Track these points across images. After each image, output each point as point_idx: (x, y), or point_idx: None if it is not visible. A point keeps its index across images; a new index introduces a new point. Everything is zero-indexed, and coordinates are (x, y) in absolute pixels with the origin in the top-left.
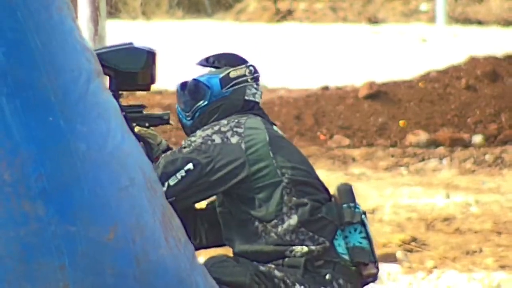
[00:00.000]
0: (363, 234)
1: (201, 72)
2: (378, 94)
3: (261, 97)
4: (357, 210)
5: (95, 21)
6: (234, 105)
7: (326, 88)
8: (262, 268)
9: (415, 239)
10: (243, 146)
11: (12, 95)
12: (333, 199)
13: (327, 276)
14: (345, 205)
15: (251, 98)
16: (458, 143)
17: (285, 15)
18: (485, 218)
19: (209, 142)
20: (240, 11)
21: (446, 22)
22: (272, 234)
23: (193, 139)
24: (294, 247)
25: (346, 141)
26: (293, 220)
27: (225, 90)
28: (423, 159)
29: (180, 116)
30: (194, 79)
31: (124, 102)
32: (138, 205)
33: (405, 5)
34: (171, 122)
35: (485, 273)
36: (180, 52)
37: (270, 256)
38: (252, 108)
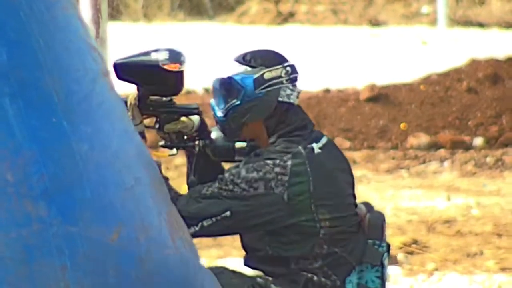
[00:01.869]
0: (378, 274)
1: (238, 69)
2: (379, 96)
3: (298, 97)
4: (380, 249)
5: (97, 23)
6: (267, 106)
7: (327, 91)
8: (259, 280)
9: (416, 242)
10: (285, 197)
11: (15, 96)
12: (361, 229)
13: None
14: (370, 241)
15: (285, 100)
16: (459, 146)
17: (287, 17)
18: (486, 221)
19: (252, 190)
20: (241, 13)
21: (447, 24)
22: (292, 264)
23: (236, 181)
24: (307, 274)
25: (347, 144)
26: (317, 263)
27: (258, 91)
28: (424, 162)
29: (214, 111)
30: (229, 77)
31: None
32: (143, 205)
33: (406, 8)
34: (201, 112)
35: (486, 275)
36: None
37: (283, 275)
38: (287, 110)
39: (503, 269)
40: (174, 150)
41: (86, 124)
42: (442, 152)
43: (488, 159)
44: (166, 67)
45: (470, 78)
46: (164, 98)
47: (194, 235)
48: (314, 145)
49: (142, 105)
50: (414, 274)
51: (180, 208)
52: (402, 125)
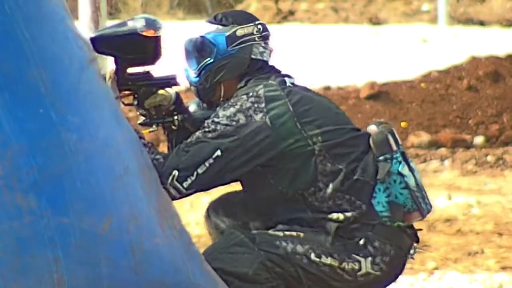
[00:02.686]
0: (403, 185)
1: (210, 29)
2: (380, 94)
3: (270, 56)
4: (392, 161)
5: (96, 21)
6: (240, 64)
7: (327, 89)
8: (277, 252)
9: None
10: (268, 122)
11: (0, 88)
12: (370, 150)
13: (361, 241)
14: (381, 158)
15: (258, 57)
16: (460, 144)
17: (287, 15)
18: (487, 219)
19: (234, 123)
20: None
21: (448, 22)
22: (311, 200)
23: (216, 120)
24: (331, 215)
25: None
26: (329, 188)
27: (231, 48)
28: (424, 160)
29: (187, 73)
30: (201, 36)
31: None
32: (132, 194)
33: (406, 6)
34: (179, 83)
35: (487, 274)
36: (182, 53)
37: (310, 223)
38: (261, 67)
39: (504, 268)
40: (154, 126)
41: (74, 114)
42: (442, 150)
43: (489, 158)
44: (144, 33)
45: (470, 76)
46: (141, 70)
47: (192, 187)
48: (285, 78)
49: (121, 80)
50: (415, 273)
51: (171, 163)
52: (403, 124)
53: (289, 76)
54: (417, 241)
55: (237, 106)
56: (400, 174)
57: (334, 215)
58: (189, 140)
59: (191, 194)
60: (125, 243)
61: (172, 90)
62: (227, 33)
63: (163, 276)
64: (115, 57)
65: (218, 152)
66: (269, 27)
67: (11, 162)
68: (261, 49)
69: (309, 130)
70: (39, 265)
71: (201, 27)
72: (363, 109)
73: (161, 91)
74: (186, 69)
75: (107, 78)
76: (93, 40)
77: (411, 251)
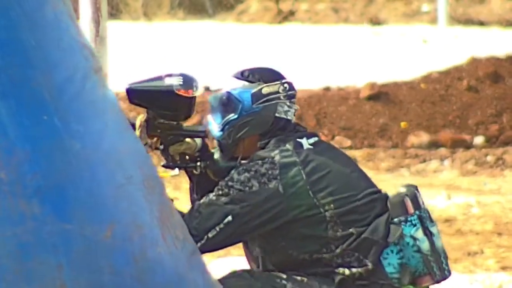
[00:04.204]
0: (415, 248)
1: (236, 85)
2: (380, 95)
3: (294, 115)
4: (407, 224)
5: (97, 22)
6: (264, 121)
7: (327, 89)
8: (274, 285)
9: None
10: (281, 189)
11: (6, 94)
12: (387, 212)
13: None
14: (396, 220)
15: (282, 116)
16: (460, 144)
17: (287, 16)
18: (487, 219)
19: (247, 189)
20: (241, 12)
21: (448, 23)
22: (321, 258)
23: (230, 183)
24: (338, 269)
25: (348, 142)
26: (339, 249)
27: (255, 106)
28: (424, 160)
29: (210, 126)
30: (227, 92)
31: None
32: (135, 203)
33: (406, 6)
34: (207, 136)
35: (487, 274)
36: (182, 53)
37: (317, 274)
38: (284, 126)
39: (503, 268)
40: (176, 170)
41: (78, 123)
42: (442, 150)
43: (488, 158)
44: (180, 93)
45: (470, 77)
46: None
47: (203, 250)
48: (304, 140)
49: (150, 127)
50: None
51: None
52: (403, 124)
53: (312, 135)
54: None
55: (252, 172)
56: (412, 237)
57: (341, 270)
58: (202, 201)
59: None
60: (128, 251)
61: (199, 142)
62: (253, 90)
63: (166, 285)
64: (147, 109)
65: (229, 218)
66: (269, 27)
67: (15, 168)
68: (286, 108)
69: (321, 198)
70: (42, 271)
71: (201, 28)
72: (363, 110)
73: (188, 140)
74: (210, 123)
75: (136, 126)
76: (128, 91)
77: None
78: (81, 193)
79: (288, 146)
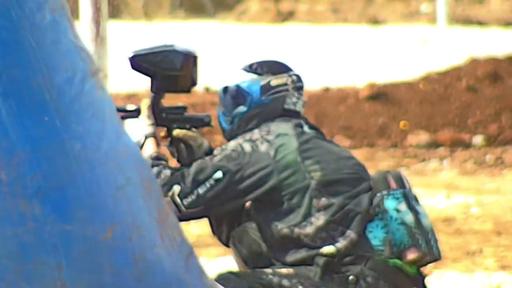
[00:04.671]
0: (399, 220)
1: (245, 77)
2: (379, 95)
3: (303, 106)
4: (390, 197)
5: (97, 22)
6: (272, 113)
7: (327, 89)
8: (260, 281)
9: None
10: (271, 153)
11: (7, 95)
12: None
13: (350, 277)
14: (378, 194)
15: (291, 107)
16: (459, 144)
17: (287, 16)
18: (486, 219)
19: (239, 150)
20: (242, 12)
21: (447, 23)
22: (302, 237)
23: (224, 147)
24: (322, 249)
25: (347, 142)
26: (320, 220)
27: (264, 98)
28: (423, 160)
29: (220, 119)
30: (236, 85)
31: (165, 103)
32: (134, 204)
33: (406, 6)
34: (212, 124)
35: (486, 273)
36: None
37: (304, 261)
38: (292, 117)
39: (503, 267)
40: None
41: (77, 124)
42: (441, 150)
43: (487, 158)
44: (182, 51)
45: (469, 77)
46: (177, 103)
47: (192, 206)
48: (304, 123)
49: (156, 111)
50: None
51: (174, 178)
52: (402, 124)
53: (314, 127)
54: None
55: (246, 137)
56: (396, 210)
57: (325, 249)
58: (195, 162)
59: (188, 217)
60: (128, 251)
61: (206, 141)
62: (262, 83)
63: (165, 285)
64: (152, 78)
65: (219, 174)
66: (269, 27)
67: (16, 169)
68: (294, 100)
69: (308, 165)
70: (42, 272)
71: (201, 28)
72: (363, 110)
73: (195, 130)
74: (219, 115)
75: (143, 107)
76: (130, 57)
77: None
78: (82, 194)
79: (288, 123)
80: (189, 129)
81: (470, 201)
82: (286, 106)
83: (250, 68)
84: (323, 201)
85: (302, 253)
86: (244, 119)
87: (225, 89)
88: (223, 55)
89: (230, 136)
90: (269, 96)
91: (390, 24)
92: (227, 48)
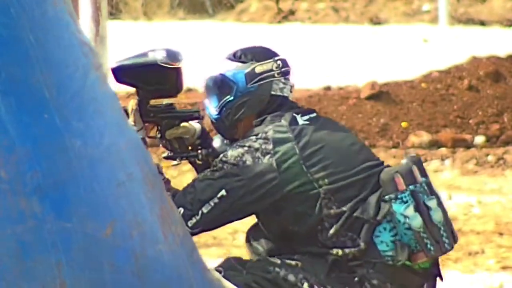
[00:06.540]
0: (406, 225)
1: (230, 66)
2: (380, 94)
3: (291, 91)
4: (398, 201)
5: (97, 21)
6: (260, 100)
7: (328, 89)
8: (265, 275)
9: None
10: (274, 164)
11: (6, 92)
12: (380, 189)
13: (356, 279)
14: (386, 197)
15: (278, 93)
16: (460, 144)
17: (287, 15)
18: (487, 219)
19: (241, 163)
20: (241, 11)
21: (449, 22)
22: (318, 236)
23: (224, 159)
24: (332, 250)
25: None
26: (333, 230)
27: (250, 86)
28: (425, 160)
29: (208, 110)
30: (221, 74)
31: (153, 101)
32: (136, 200)
33: (407, 6)
34: (201, 117)
35: (487, 274)
36: (182, 52)
37: (314, 255)
38: (280, 103)
39: (504, 268)
40: (177, 161)
41: (78, 120)
42: (443, 150)
43: (489, 158)
44: (164, 65)
45: (471, 76)
46: (164, 101)
47: (197, 226)
48: (298, 116)
49: (143, 111)
50: None
51: (177, 201)
52: (403, 124)
53: (310, 111)
54: (436, 278)
55: (246, 147)
56: (403, 215)
57: (335, 250)
58: (197, 176)
59: (196, 233)
60: (128, 248)
61: (197, 124)
62: (246, 70)
63: (167, 282)
64: (137, 88)
65: (223, 192)
66: (269, 27)
67: (15, 167)
68: (281, 85)
69: (315, 173)
70: (41, 270)
71: (201, 27)
72: (364, 109)
73: (184, 124)
74: (207, 106)
75: (129, 110)
76: (113, 70)
77: None
78: (82, 191)
79: (283, 121)
80: (178, 124)
81: (471, 202)
82: (273, 92)
83: (234, 57)
84: (334, 209)
85: (315, 248)
86: (232, 109)
87: (211, 79)
88: (223, 55)
89: (218, 126)
90: (255, 84)
91: (391, 23)
92: (227, 47)
